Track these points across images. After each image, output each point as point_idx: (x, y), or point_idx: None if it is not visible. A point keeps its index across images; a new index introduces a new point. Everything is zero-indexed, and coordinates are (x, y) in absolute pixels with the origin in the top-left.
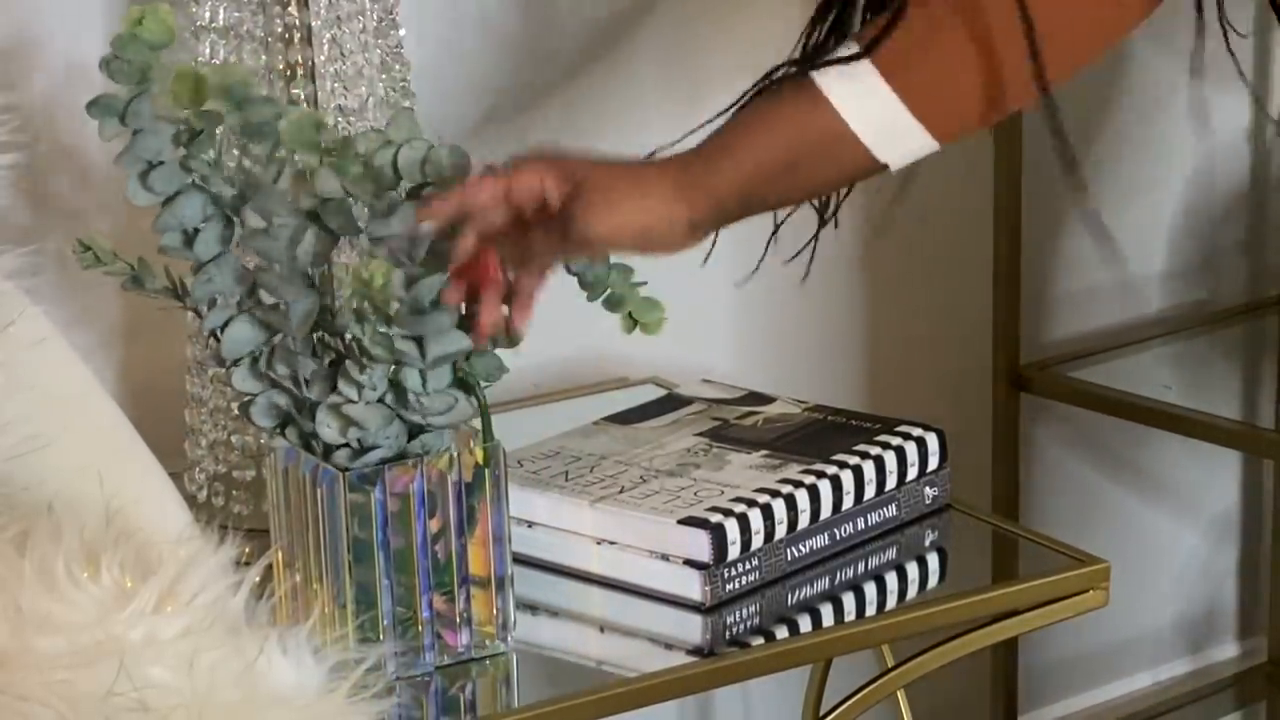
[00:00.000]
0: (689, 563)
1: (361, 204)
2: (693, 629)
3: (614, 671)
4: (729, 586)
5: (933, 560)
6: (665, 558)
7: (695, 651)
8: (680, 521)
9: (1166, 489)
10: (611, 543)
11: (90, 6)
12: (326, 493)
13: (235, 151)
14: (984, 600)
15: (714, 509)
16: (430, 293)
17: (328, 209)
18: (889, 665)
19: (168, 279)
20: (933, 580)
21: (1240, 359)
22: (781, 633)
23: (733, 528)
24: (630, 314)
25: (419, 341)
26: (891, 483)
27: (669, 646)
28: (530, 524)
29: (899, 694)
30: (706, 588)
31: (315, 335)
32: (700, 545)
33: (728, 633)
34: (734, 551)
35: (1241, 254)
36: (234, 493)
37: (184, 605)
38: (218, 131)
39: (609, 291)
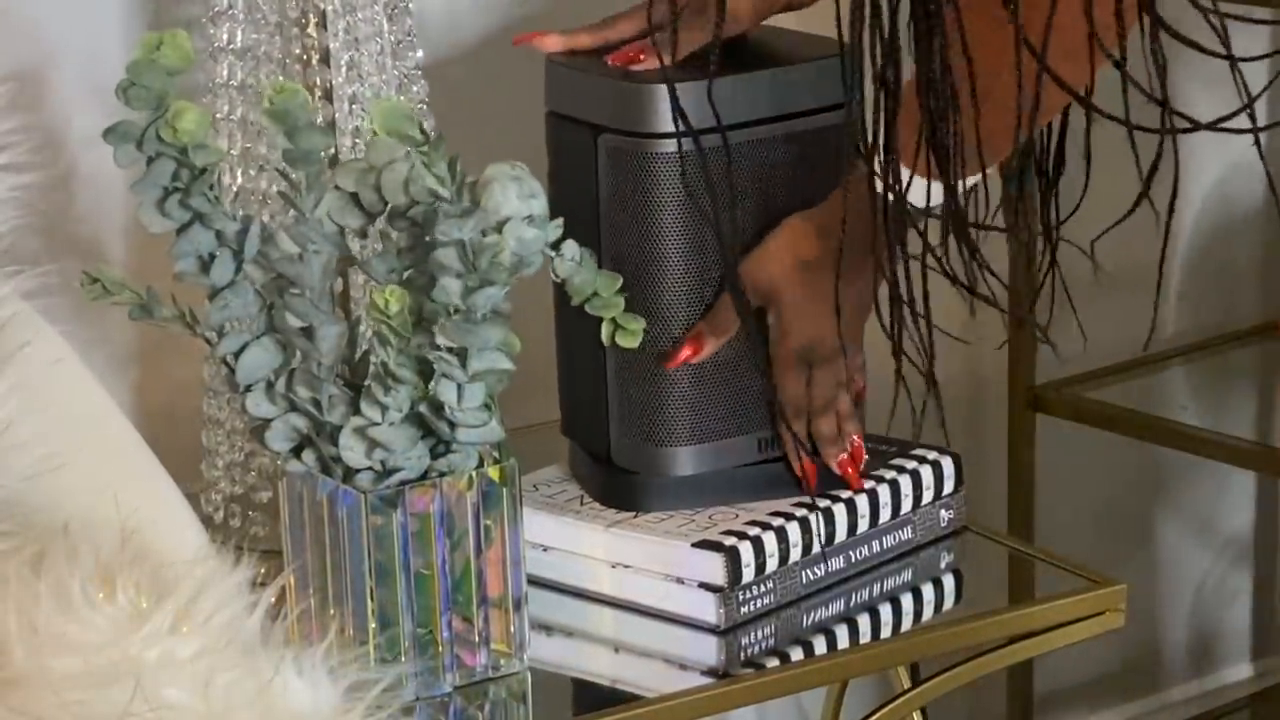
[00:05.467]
0: (704, 586)
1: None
2: (708, 651)
3: (629, 692)
4: (744, 609)
5: (948, 582)
6: (680, 581)
7: (710, 673)
8: (695, 545)
9: (1181, 509)
10: (626, 566)
11: (109, 27)
12: (348, 515)
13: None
14: (1000, 622)
15: (728, 532)
16: (485, 305)
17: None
18: (905, 687)
19: (176, 308)
20: (949, 603)
21: (1256, 379)
22: (797, 655)
23: (747, 551)
24: (614, 320)
25: (460, 354)
26: (907, 506)
27: (684, 668)
28: (545, 548)
29: (915, 716)
30: (721, 610)
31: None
32: (715, 569)
33: (743, 654)
34: (749, 575)
35: (1257, 272)
36: (250, 514)
37: (200, 626)
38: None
39: (595, 295)
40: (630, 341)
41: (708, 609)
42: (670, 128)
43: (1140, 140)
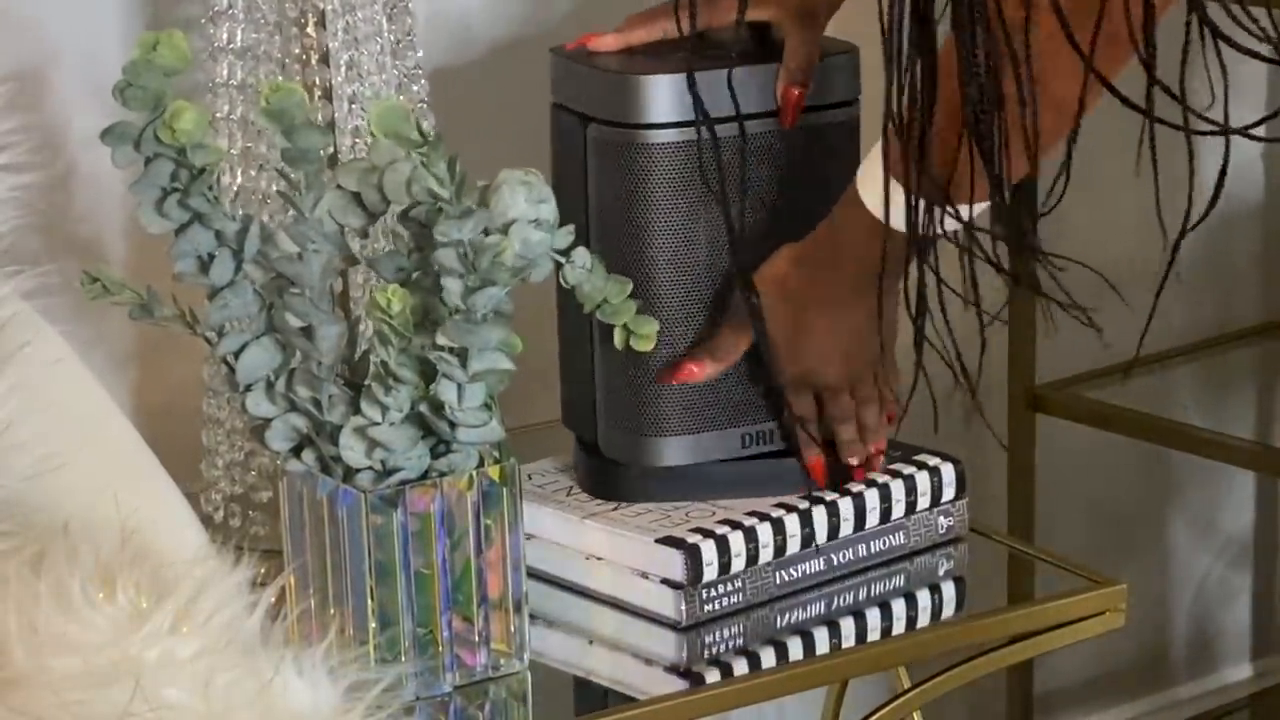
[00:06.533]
0: (665, 581)
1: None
2: (668, 646)
3: (599, 685)
4: (708, 607)
5: (947, 589)
6: (645, 575)
7: (671, 669)
8: (658, 540)
9: (1182, 509)
10: (599, 558)
11: (109, 27)
12: (348, 515)
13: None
14: (1000, 622)
15: (696, 529)
16: (486, 305)
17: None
18: (905, 687)
19: (176, 307)
20: (948, 610)
21: (1256, 379)
22: (767, 655)
23: (709, 549)
24: (625, 326)
25: (461, 355)
26: (899, 511)
27: (649, 662)
28: (529, 536)
29: (915, 716)
30: (683, 607)
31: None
32: (675, 565)
33: (706, 652)
34: (710, 573)
35: (1257, 271)
36: (250, 514)
37: (200, 626)
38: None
39: (605, 302)
40: (645, 345)
41: (668, 604)
42: (656, 119)
43: (1131, 139)
